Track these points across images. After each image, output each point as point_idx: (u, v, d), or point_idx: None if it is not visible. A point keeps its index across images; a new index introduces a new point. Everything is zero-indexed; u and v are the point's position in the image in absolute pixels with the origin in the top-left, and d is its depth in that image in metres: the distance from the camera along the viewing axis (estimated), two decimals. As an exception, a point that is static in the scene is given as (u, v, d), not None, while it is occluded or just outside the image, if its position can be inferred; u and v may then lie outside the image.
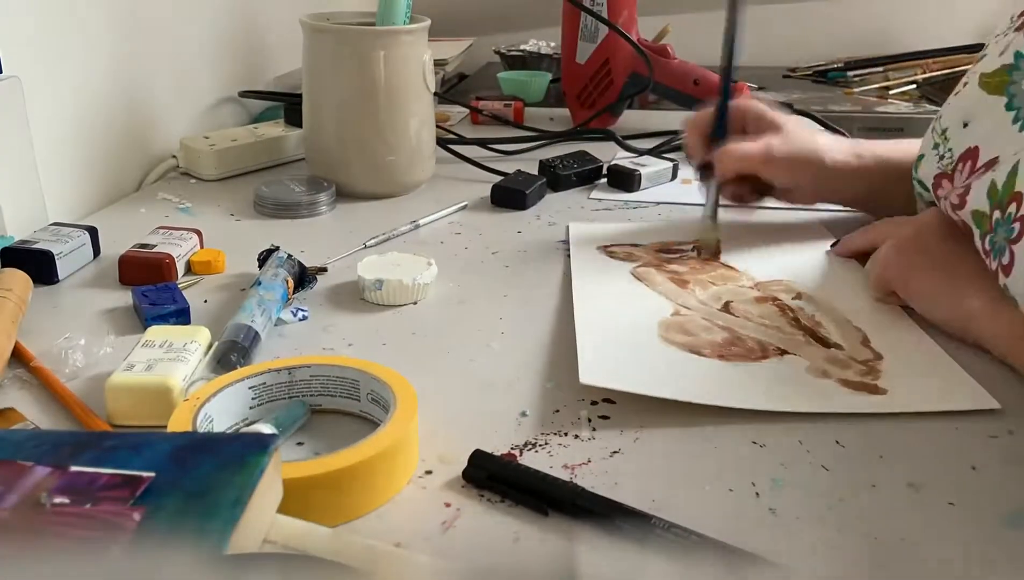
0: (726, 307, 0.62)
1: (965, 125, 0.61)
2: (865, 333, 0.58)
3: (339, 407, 0.49)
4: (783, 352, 0.55)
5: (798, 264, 0.70)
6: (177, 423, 0.42)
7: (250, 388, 0.47)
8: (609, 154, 0.99)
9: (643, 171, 0.91)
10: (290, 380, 0.48)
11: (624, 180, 0.91)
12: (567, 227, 0.79)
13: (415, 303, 0.63)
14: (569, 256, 0.72)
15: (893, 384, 0.52)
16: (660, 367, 0.53)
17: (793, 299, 0.63)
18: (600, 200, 0.89)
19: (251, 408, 0.47)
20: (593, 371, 0.51)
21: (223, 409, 0.46)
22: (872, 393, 0.51)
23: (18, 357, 0.54)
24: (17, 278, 0.60)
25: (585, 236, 0.77)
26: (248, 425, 0.47)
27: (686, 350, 0.55)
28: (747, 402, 0.49)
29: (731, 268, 0.70)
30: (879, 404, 0.50)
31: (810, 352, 0.56)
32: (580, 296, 0.63)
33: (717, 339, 0.57)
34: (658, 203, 0.88)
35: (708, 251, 0.73)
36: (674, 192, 0.91)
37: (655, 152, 1.02)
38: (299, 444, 0.47)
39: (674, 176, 0.95)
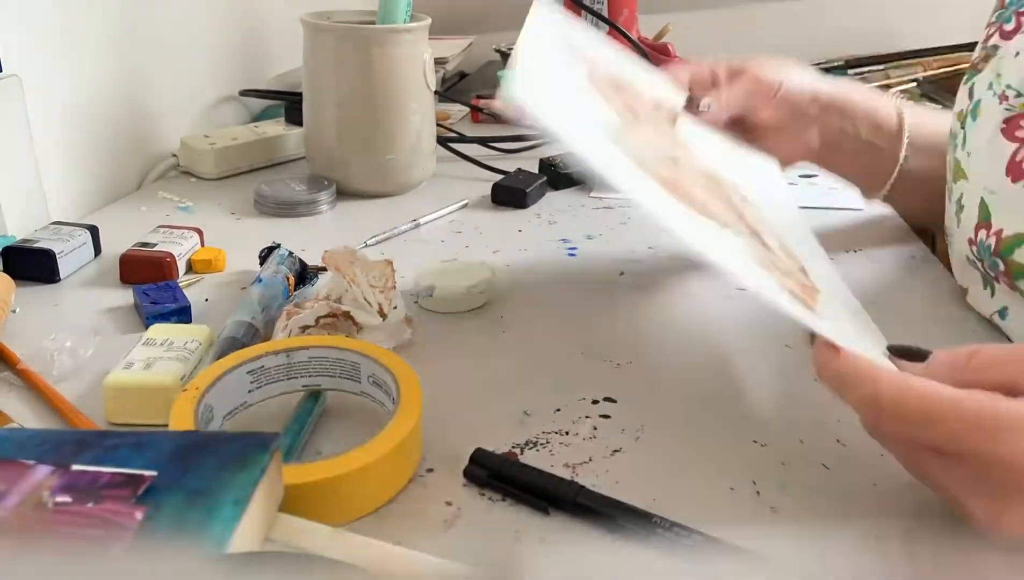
0: (673, 162, 0.52)
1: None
2: (804, 266, 0.50)
3: (339, 387, 0.49)
4: (725, 226, 0.46)
5: (757, 179, 0.62)
6: (178, 414, 0.42)
7: (248, 373, 0.47)
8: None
9: None
10: (288, 362, 0.48)
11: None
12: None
13: (471, 311, 0.62)
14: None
15: (824, 314, 0.43)
16: (601, 132, 0.44)
17: (740, 201, 0.54)
18: (602, 198, 0.89)
19: (250, 392, 0.47)
20: (523, 87, 0.40)
21: (223, 396, 0.46)
22: (807, 309, 0.42)
23: (3, 360, 0.54)
24: (0, 281, 0.60)
25: (549, 24, 0.58)
26: (246, 408, 0.47)
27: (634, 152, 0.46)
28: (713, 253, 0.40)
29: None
30: (811, 319, 0.40)
31: (751, 243, 0.47)
32: (527, 40, 0.49)
33: (663, 173, 0.47)
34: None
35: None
36: None
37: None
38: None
39: None
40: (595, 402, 0.50)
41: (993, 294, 0.58)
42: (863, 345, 0.41)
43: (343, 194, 0.86)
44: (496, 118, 1.16)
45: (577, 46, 0.60)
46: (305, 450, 0.46)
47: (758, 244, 0.48)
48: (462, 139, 1.03)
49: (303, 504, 0.37)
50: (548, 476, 0.42)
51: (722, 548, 0.37)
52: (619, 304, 0.64)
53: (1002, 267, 0.55)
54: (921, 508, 0.41)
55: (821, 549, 0.39)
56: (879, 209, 0.85)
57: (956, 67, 1.54)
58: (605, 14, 1.10)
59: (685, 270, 0.69)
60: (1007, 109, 0.55)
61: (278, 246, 0.67)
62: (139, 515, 0.31)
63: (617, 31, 1.10)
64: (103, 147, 0.87)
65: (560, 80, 0.53)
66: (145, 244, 0.68)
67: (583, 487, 0.41)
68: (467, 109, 1.22)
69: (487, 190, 0.87)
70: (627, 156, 0.45)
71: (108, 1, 0.86)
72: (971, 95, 0.60)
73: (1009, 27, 0.58)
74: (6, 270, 0.65)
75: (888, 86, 1.52)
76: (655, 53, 1.11)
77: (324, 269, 0.67)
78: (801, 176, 0.96)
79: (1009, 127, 0.55)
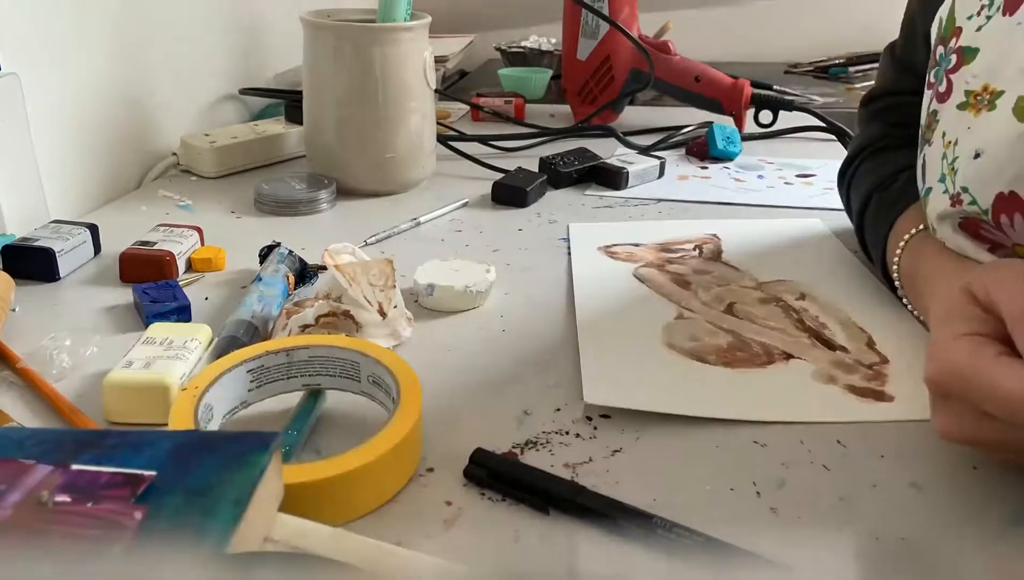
0: (730, 309, 0.61)
1: (977, 156, 0.51)
2: (871, 335, 0.58)
3: (339, 387, 0.49)
4: (788, 356, 0.55)
5: (800, 263, 0.70)
6: (177, 414, 0.42)
7: (248, 371, 0.47)
8: (610, 150, 0.99)
9: (630, 169, 0.91)
10: (288, 361, 0.48)
11: (612, 178, 0.91)
12: (567, 227, 0.79)
13: (471, 310, 0.62)
14: (570, 255, 0.72)
15: (899, 390, 0.51)
16: (664, 378, 0.52)
17: (797, 300, 0.63)
18: (601, 196, 0.88)
19: (249, 391, 0.47)
20: (596, 389, 0.50)
21: (222, 395, 0.46)
22: (878, 399, 0.50)
23: (3, 359, 0.54)
24: (0, 280, 0.60)
25: (585, 237, 0.76)
26: (246, 408, 0.47)
27: (690, 357, 0.54)
28: (752, 413, 0.48)
29: (733, 268, 0.69)
30: (885, 412, 0.49)
31: (816, 355, 0.55)
32: (582, 301, 0.62)
33: (722, 344, 0.56)
34: (659, 200, 0.88)
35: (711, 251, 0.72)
36: (671, 188, 0.91)
37: (654, 148, 1.02)
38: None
39: (661, 174, 0.94)
40: (595, 402, 0.50)
41: None
42: None
43: (343, 193, 0.86)
44: (496, 116, 1.16)
45: (619, 241, 0.75)
46: (305, 450, 0.46)
47: (822, 351, 0.56)
48: (462, 137, 1.03)
49: (303, 504, 0.37)
50: (548, 476, 0.42)
51: (722, 549, 0.37)
52: (619, 303, 0.64)
53: None
54: (920, 509, 0.41)
55: (821, 550, 0.39)
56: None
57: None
58: (606, 12, 1.10)
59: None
60: (960, 214, 0.53)
61: (278, 245, 0.67)
62: (138, 515, 0.31)
63: (618, 29, 1.09)
64: (103, 145, 0.87)
65: (612, 299, 0.63)
66: (145, 243, 0.68)
67: (583, 487, 0.41)
68: (467, 107, 1.21)
69: (487, 189, 0.87)
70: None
71: (108, 0, 0.86)
72: (923, 175, 0.57)
73: (942, 89, 0.55)
74: (5, 269, 0.65)
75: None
76: (655, 51, 1.11)
77: (324, 268, 0.67)
78: (798, 176, 0.96)
79: (965, 226, 0.53)
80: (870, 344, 0.57)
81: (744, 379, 0.52)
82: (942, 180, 0.54)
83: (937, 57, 0.57)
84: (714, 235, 0.76)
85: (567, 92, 1.19)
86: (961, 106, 0.53)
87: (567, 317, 0.61)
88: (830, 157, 1.04)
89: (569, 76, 1.17)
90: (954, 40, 0.55)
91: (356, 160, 0.86)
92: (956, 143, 0.53)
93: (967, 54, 0.53)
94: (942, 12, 0.57)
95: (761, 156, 1.04)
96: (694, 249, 0.73)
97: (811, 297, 0.64)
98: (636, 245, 0.74)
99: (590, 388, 0.50)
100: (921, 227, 0.58)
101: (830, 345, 0.56)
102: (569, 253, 0.72)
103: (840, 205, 0.84)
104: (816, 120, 1.13)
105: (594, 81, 1.15)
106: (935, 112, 0.56)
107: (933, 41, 0.58)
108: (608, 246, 0.73)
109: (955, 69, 0.54)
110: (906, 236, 0.59)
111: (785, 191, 0.91)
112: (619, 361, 0.54)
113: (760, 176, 0.96)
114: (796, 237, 0.76)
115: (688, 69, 1.12)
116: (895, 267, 0.60)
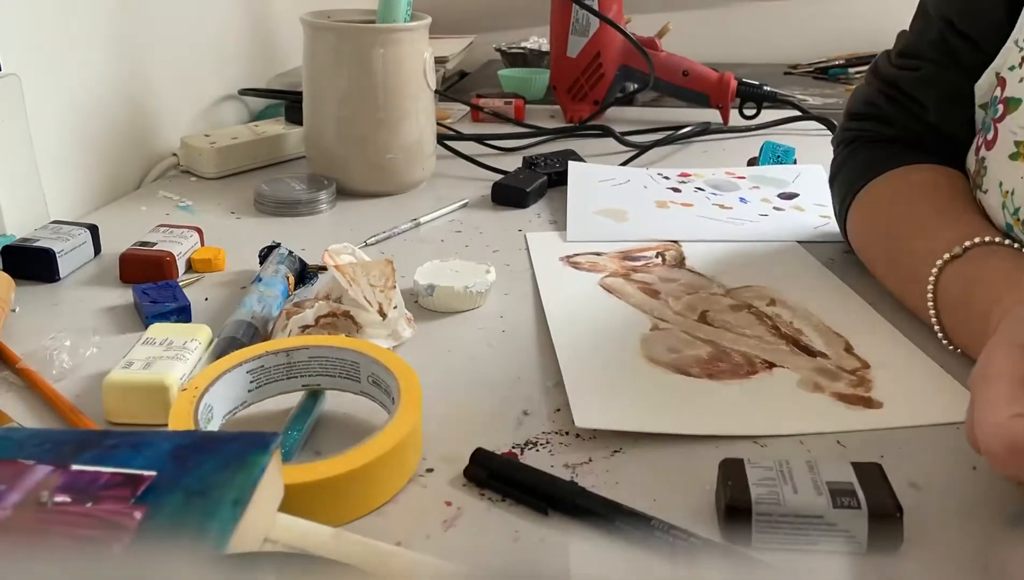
0: (703, 317, 0.61)
1: None
2: (847, 339, 0.57)
3: (339, 387, 0.49)
4: (771, 365, 0.54)
5: (764, 268, 0.69)
6: (177, 414, 0.42)
7: (248, 372, 0.47)
8: (607, 149, 0.99)
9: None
10: (288, 362, 0.48)
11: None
12: (525, 237, 0.77)
13: (471, 310, 0.62)
14: (532, 267, 0.70)
15: (887, 395, 0.51)
16: (653, 395, 0.51)
17: (767, 305, 0.62)
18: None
19: (249, 391, 0.47)
20: (587, 412, 0.48)
21: (222, 396, 0.46)
22: (868, 406, 0.50)
23: (3, 359, 0.54)
24: (0, 280, 0.60)
25: (544, 247, 0.74)
26: (246, 408, 0.47)
27: (673, 371, 0.53)
28: (749, 427, 0.48)
29: (699, 274, 0.68)
30: (878, 419, 0.49)
31: (797, 363, 0.55)
32: (554, 316, 0.61)
33: (702, 355, 0.55)
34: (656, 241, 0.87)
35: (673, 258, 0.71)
36: (659, 221, 0.89)
37: (652, 148, 1.02)
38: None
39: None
40: (595, 402, 0.50)
41: None
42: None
43: (343, 193, 0.86)
44: (496, 117, 1.16)
45: (581, 250, 0.74)
46: (305, 450, 0.46)
47: (802, 358, 0.55)
48: (462, 138, 1.03)
49: (303, 504, 0.37)
50: (548, 477, 0.42)
51: (721, 551, 0.37)
52: (619, 304, 0.64)
53: None
54: (921, 509, 0.41)
55: (820, 551, 0.39)
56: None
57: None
58: (596, 9, 1.11)
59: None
60: None
61: (278, 245, 0.67)
62: (138, 515, 0.31)
63: (611, 25, 1.10)
64: (103, 146, 0.87)
65: (583, 312, 0.62)
66: (145, 243, 0.68)
67: (582, 488, 0.41)
68: (467, 108, 1.21)
69: (487, 190, 0.87)
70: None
71: (108, 0, 0.86)
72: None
73: (990, 136, 0.57)
74: (6, 269, 0.65)
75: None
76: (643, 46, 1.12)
77: (324, 268, 0.67)
78: (781, 195, 0.87)
79: None
80: (848, 349, 0.56)
81: (731, 391, 0.52)
82: (1009, 229, 0.55)
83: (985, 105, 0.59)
84: (675, 241, 0.75)
85: (556, 90, 1.19)
86: (1013, 156, 0.54)
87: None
88: (802, 160, 0.95)
89: (559, 74, 1.18)
90: (999, 90, 0.57)
91: (356, 161, 0.86)
92: (1013, 193, 0.54)
93: (1011, 104, 0.55)
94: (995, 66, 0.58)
95: (728, 169, 0.94)
96: (656, 256, 0.72)
97: (781, 302, 0.63)
98: (598, 254, 0.72)
99: (580, 412, 0.48)
100: (978, 240, 0.53)
101: (809, 351, 0.56)
102: (531, 264, 0.71)
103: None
104: (797, 112, 1.14)
105: (584, 78, 1.16)
106: (983, 159, 0.57)
107: (978, 95, 0.60)
108: (570, 256, 0.72)
109: (1001, 118, 0.56)
110: (956, 248, 0.53)
111: (778, 219, 0.80)
112: (603, 379, 0.52)
113: (742, 199, 0.85)
114: (756, 241, 0.76)
115: (676, 64, 1.14)
116: (931, 287, 0.55)
